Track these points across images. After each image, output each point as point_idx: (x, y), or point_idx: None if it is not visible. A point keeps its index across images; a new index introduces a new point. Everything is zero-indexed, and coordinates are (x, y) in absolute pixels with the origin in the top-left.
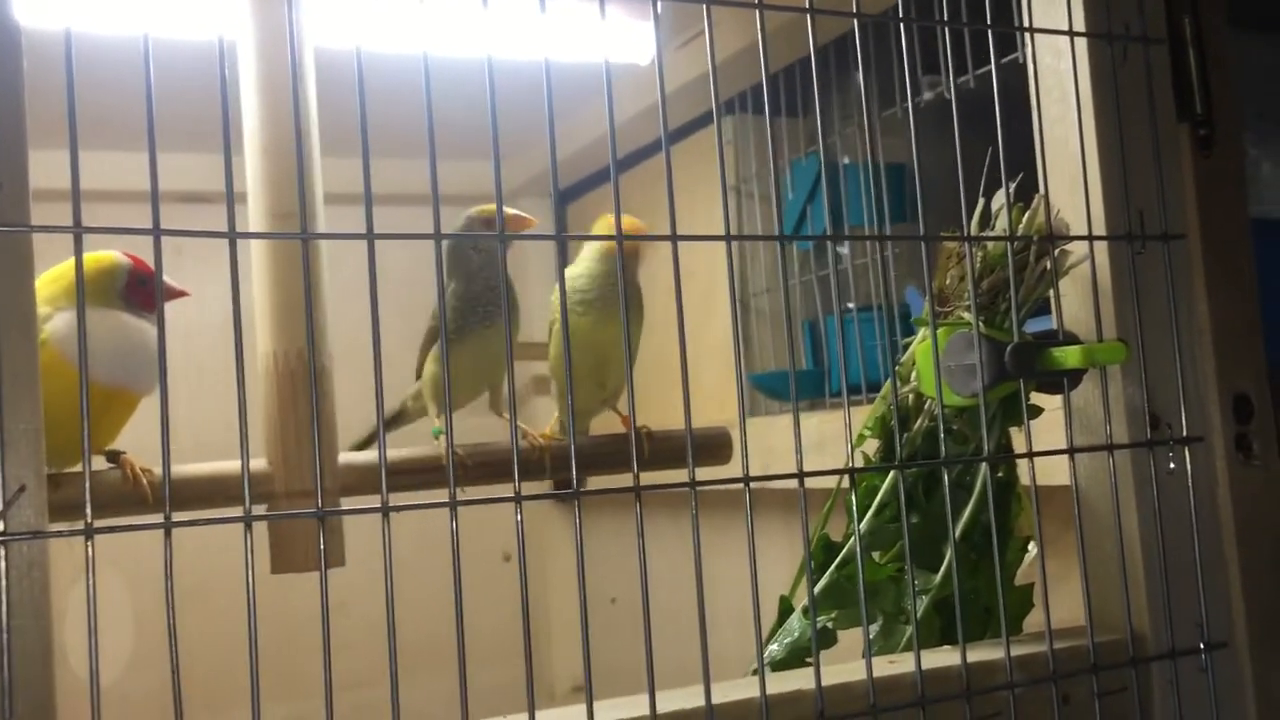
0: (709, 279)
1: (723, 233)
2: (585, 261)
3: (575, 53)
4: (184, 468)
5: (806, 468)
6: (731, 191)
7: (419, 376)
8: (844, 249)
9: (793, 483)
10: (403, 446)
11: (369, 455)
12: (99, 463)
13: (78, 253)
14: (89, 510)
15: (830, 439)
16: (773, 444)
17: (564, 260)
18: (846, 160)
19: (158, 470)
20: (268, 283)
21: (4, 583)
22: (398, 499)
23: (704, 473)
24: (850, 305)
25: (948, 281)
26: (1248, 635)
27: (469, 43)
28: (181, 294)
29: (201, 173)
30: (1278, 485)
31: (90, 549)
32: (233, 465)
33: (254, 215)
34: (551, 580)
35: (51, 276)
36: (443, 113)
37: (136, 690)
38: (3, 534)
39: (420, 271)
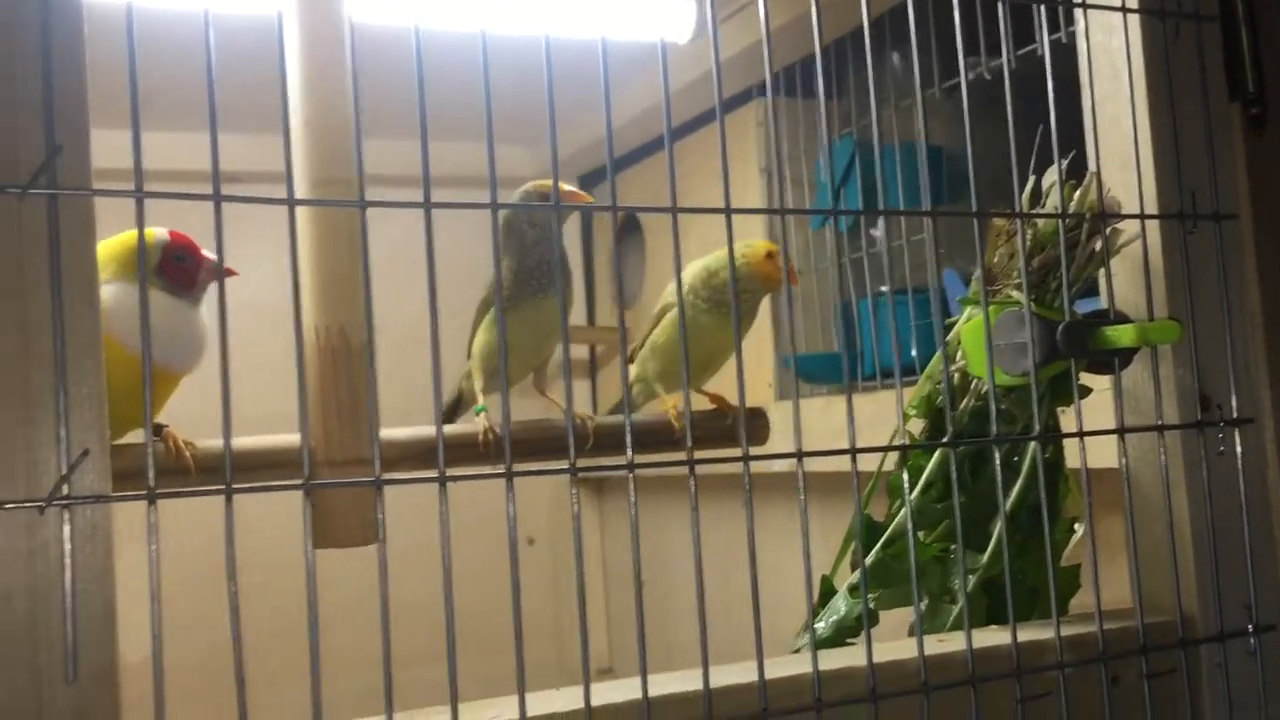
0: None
1: (782, 204)
2: (703, 265)
3: (612, 32)
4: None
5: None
6: (763, 174)
7: (470, 356)
8: (878, 231)
9: (826, 465)
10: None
11: (407, 431)
12: (143, 436)
13: (139, 218)
14: (151, 475)
15: (864, 422)
16: (807, 425)
17: (590, 243)
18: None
19: (199, 443)
20: (310, 258)
21: (68, 546)
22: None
23: (728, 452)
24: (884, 288)
25: (995, 260)
26: None
27: (511, 21)
28: (230, 273)
29: (238, 152)
30: None
31: (153, 514)
32: (275, 439)
33: (298, 189)
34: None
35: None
36: (464, 94)
37: (168, 663)
38: (66, 498)
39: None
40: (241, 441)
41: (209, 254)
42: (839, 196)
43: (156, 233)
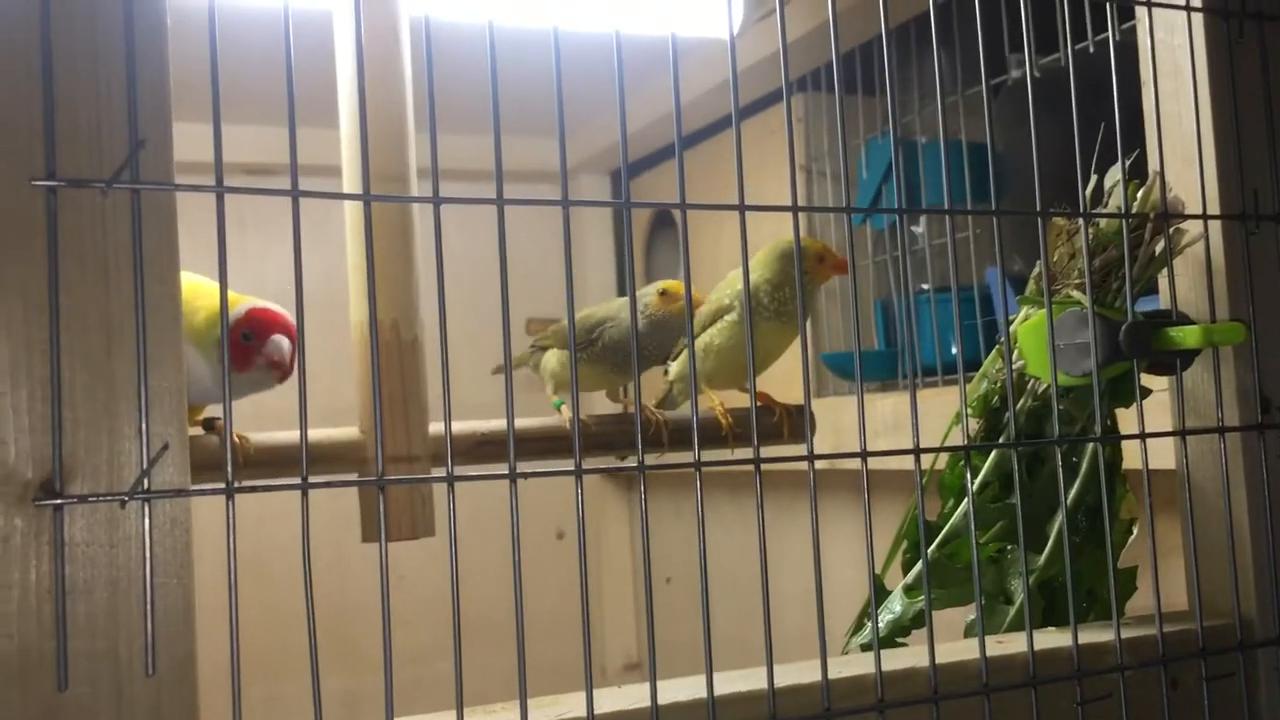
0: None
1: (795, 202)
2: (763, 269)
3: (648, 25)
4: (279, 434)
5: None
6: (803, 170)
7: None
8: (919, 229)
9: (872, 463)
10: (521, 417)
11: (456, 426)
12: (196, 430)
13: (220, 212)
14: (230, 470)
15: (906, 420)
16: (844, 423)
17: (630, 232)
18: (925, 139)
19: (252, 436)
20: (362, 252)
21: (148, 540)
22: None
23: (792, 451)
24: (926, 286)
25: (1055, 259)
26: None
27: (537, 15)
28: (284, 372)
29: (275, 145)
30: None
31: (231, 508)
32: (328, 432)
33: (349, 186)
34: (605, 559)
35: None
36: (506, 88)
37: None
38: (147, 492)
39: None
40: (291, 435)
41: (279, 338)
42: (880, 194)
43: (239, 305)
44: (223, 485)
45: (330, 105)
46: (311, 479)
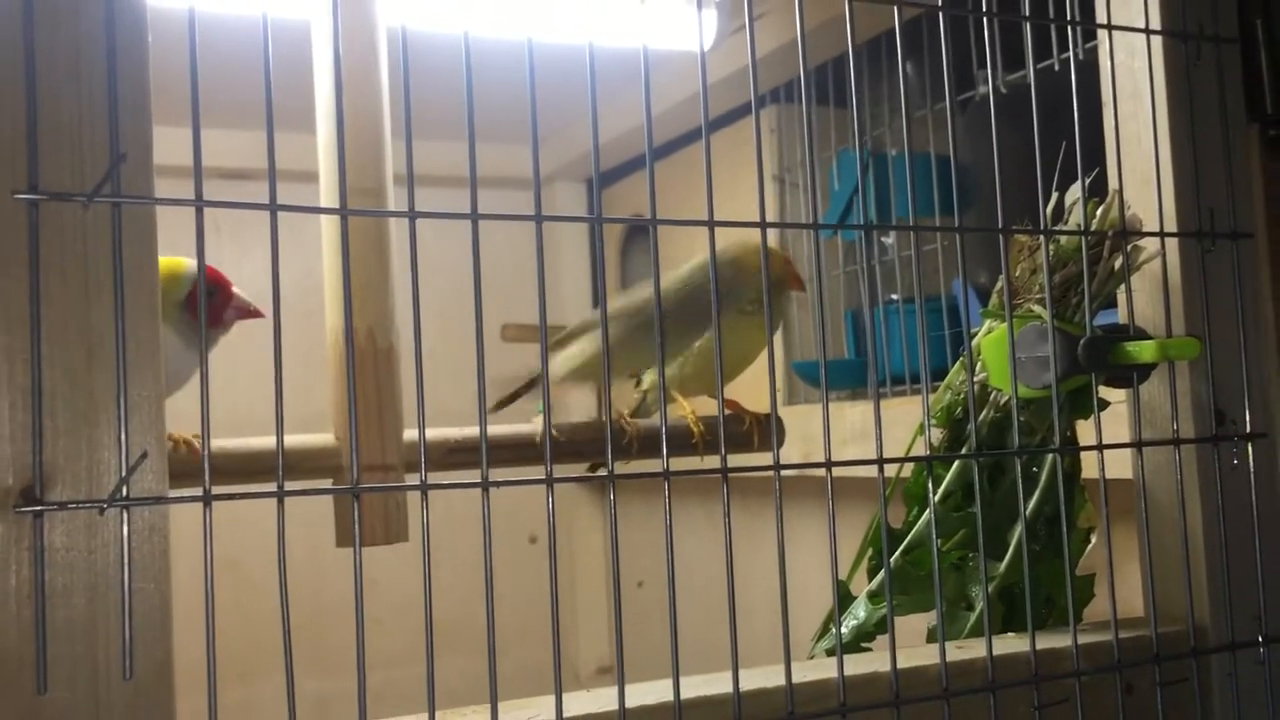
0: None
1: (764, 218)
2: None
3: (624, 36)
4: (254, 441)
5: (850, 457)
6: (775, 182)
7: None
8: (889, 239)
9: (839, 470)
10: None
11: (429, 433)
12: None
13: (199, 225)
14: (208, 478)
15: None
16: (814, 431)
17: (601, 245)
18: (894, 152)
19: (229, 444)
20: (338, 261)
21: (126, 546)
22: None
23: (758, 460)
24: (895, 296)
25: (1017, 274)
26: None
27: (514, 23)
28: (256, 314)
29: (251, 150)
30: None
31: (208, 516)
32: (300, 439)
33: (325, 193)
34: (578, 563)
35: None
36: (482, 95)
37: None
38: (126, 499)
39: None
40: (264, 442)
41: (239, 291)
42: (850, 205)
43: (187, 265)
44: (200, 493)
45: (309, 109)
46: (287, 487)
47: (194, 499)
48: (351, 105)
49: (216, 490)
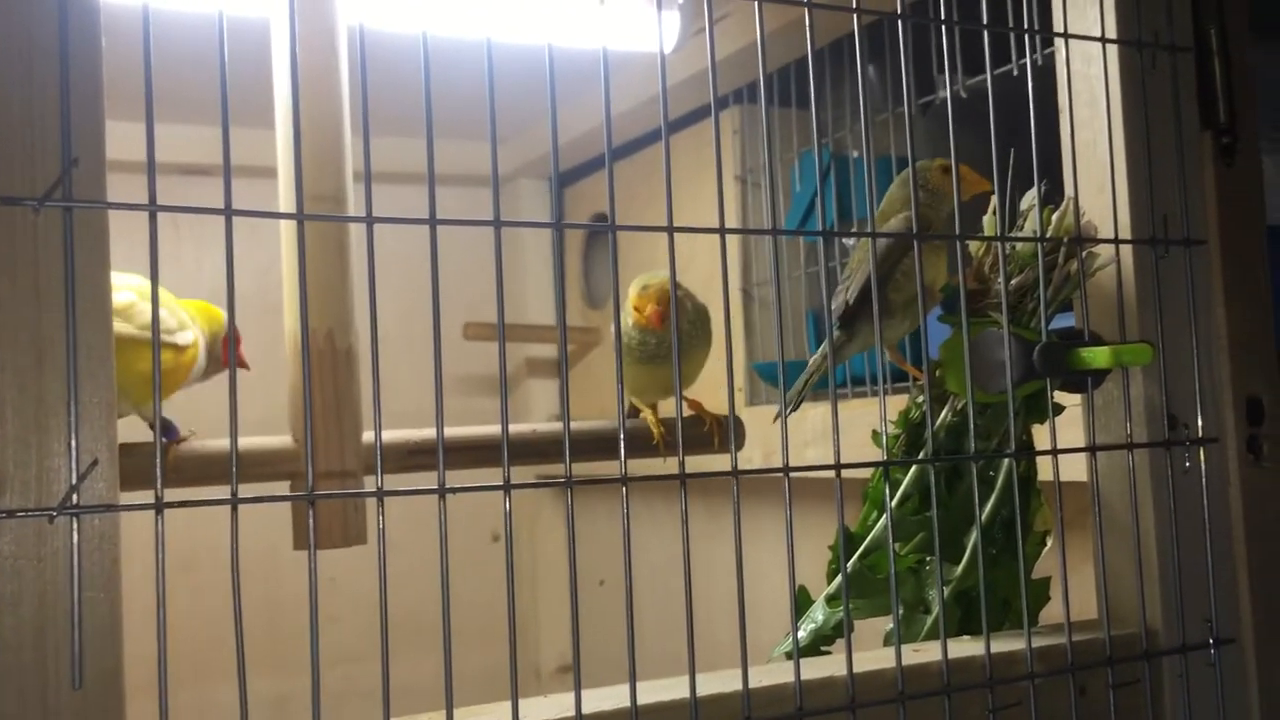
0: (710, 267)
1: (722, 223)
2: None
3: (587, 36)
4: (211, 442)
5: (811, 458)
6: (738, 182)
7: None
8: (850, 241)
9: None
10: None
11: (389, 435)
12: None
13: (152, 230)
14: (160, 485)
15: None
16: (776, 431)
17: (562, 248)
18: (856, 154)
19: (182, 447)
20: (298, 262)
21: (76, 555)
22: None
23: (717, 464)
24: None
25: (974, 280)
26: (1254, 632)
27: (476, 22)
28: (244, 366)
29: (212, 145)
30: None
31: (160, 523)
32: (258, 441)
33: (284, 195)
34: (540, 561)
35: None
36: (446, 92)
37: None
38: (75, 507)
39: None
40: (223, 444)
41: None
42: (812, 206)
43: (222, 314)
44: (152, 500)
45: (269, 105)
46: (242, 492)
47: (145, 507)
48: (311, 104)
49: (173, 494)
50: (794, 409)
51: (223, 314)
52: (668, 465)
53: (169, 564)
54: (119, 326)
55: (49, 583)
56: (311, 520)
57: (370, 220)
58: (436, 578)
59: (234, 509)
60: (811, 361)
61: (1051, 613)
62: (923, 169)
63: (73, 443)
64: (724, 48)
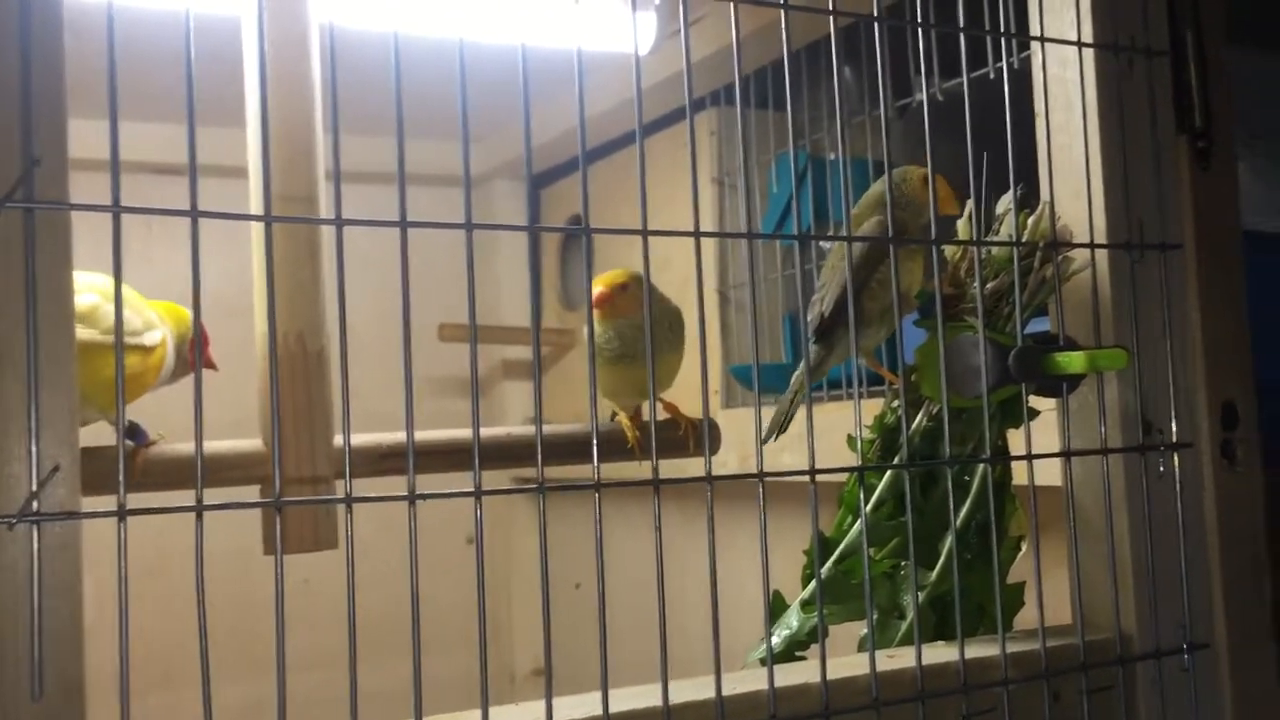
0: (687, 269)
1: (697, 228)
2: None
3: (564, 36)
4: (180, 446)
5: (788, 463)
6: (715, 183)
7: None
8: (828, 245)
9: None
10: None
11: (361, 439)
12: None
13: (115, 231)
14: (123, 492)
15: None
16: (754, 435)
17: (537, 251)
18: (834, 156)
19: (151, 451)
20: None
21: (37, 563)
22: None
23: (695, 464)
24: None
25: (950, 284)
26: (1228, 637)
27: (451, 22)
28: (211, 367)
29: (179, 143)
30: (1258, 491)
31: (123, 530)
32: (227, 445)
33: (255, 195)
34: (515, 564)
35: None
36: (422, 92)
37: (98, 664)
38: (36, 514)
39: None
40: (192, 447)
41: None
42: (789, 209)
43: (189, 314)
44: (115, 508)
45: (243, 104)
46: (209, 498)
47: (108, 514)
48: (282, 103)
49: (141, 500)
50: (779, 433)
51: (190, 314)
52: (642, 470)
53: (138, 569)
54: (83, 332)
55: (8, 592)
56: (279, 527)
57: (339, 222)
58: (408, 582)
59: (199, 516)
60: (794, 379)
61: (1026, 618)
62: (900, 177)
63: (33, 449)
64: (701, 49)
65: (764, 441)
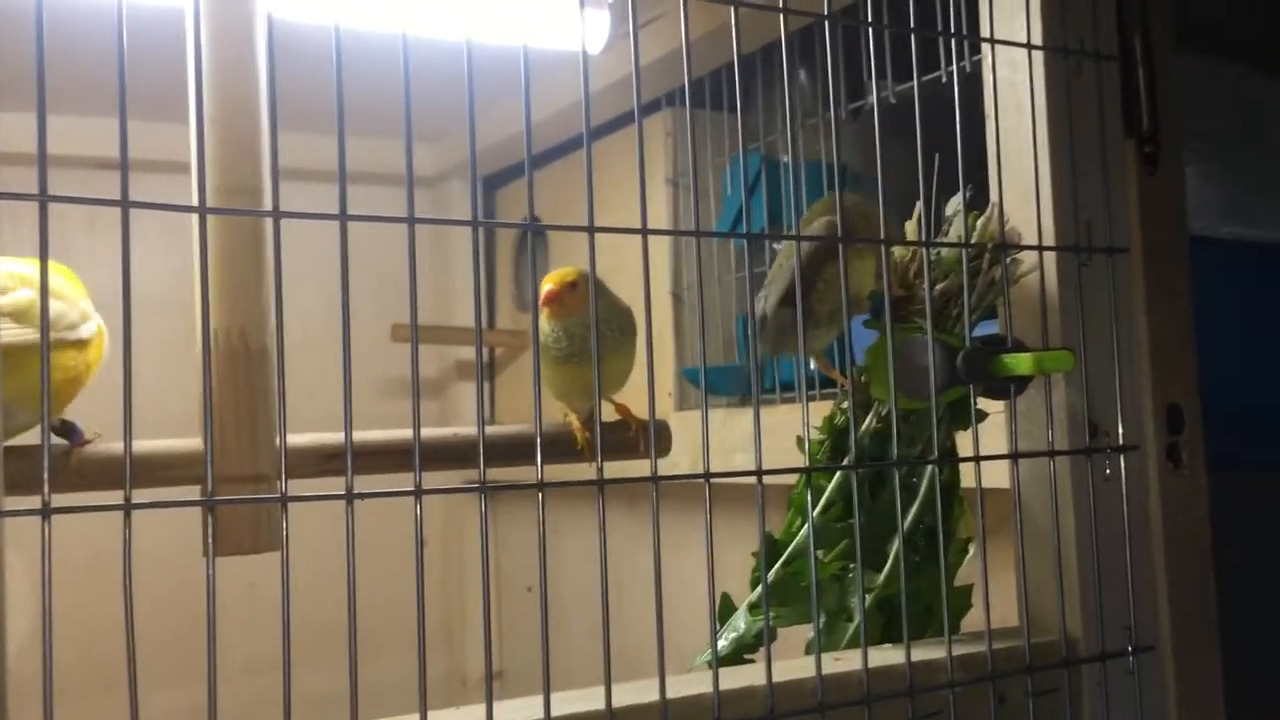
0: (640, 271)
1: (645, 225)
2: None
3: (517, 36)
4: (118, 445)
5: (740, 464)
6: (669, 184)
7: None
8: (779, 245)
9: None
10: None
11: (306, 439)
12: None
13: (42, 222)
14: (46, 490)
15: (766, 434)
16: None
17: (480, 249)
18: (787, 158)
19: (85, 449)
20: (210, 258)
21: None
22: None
23: (636, 471)
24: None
25: (899, 285)
26: (1172, 639)
27: (400, 18)
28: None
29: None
30: (1203, 495)
31: (47, 529)
32: (164, 444)
33: (198, 188)
34: (467, 566)
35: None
36: (376, 89)
37: (34, 669)
38: None
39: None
40: (135, 445)
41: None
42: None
43: None
44: (39, 505)
45: (186, 99)
46: (149, 497)
47: (31, 512)
48: (226, 97)
49: (73, 499)
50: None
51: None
52: (590, 470)
53: (79, 570)
54: (14, 334)
55: None
56: (212, 527)
57: (277, 215)
58: (362, 581)
59: (127, 515)
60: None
61: (973, 620)
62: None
63: None
64: (656, 49)
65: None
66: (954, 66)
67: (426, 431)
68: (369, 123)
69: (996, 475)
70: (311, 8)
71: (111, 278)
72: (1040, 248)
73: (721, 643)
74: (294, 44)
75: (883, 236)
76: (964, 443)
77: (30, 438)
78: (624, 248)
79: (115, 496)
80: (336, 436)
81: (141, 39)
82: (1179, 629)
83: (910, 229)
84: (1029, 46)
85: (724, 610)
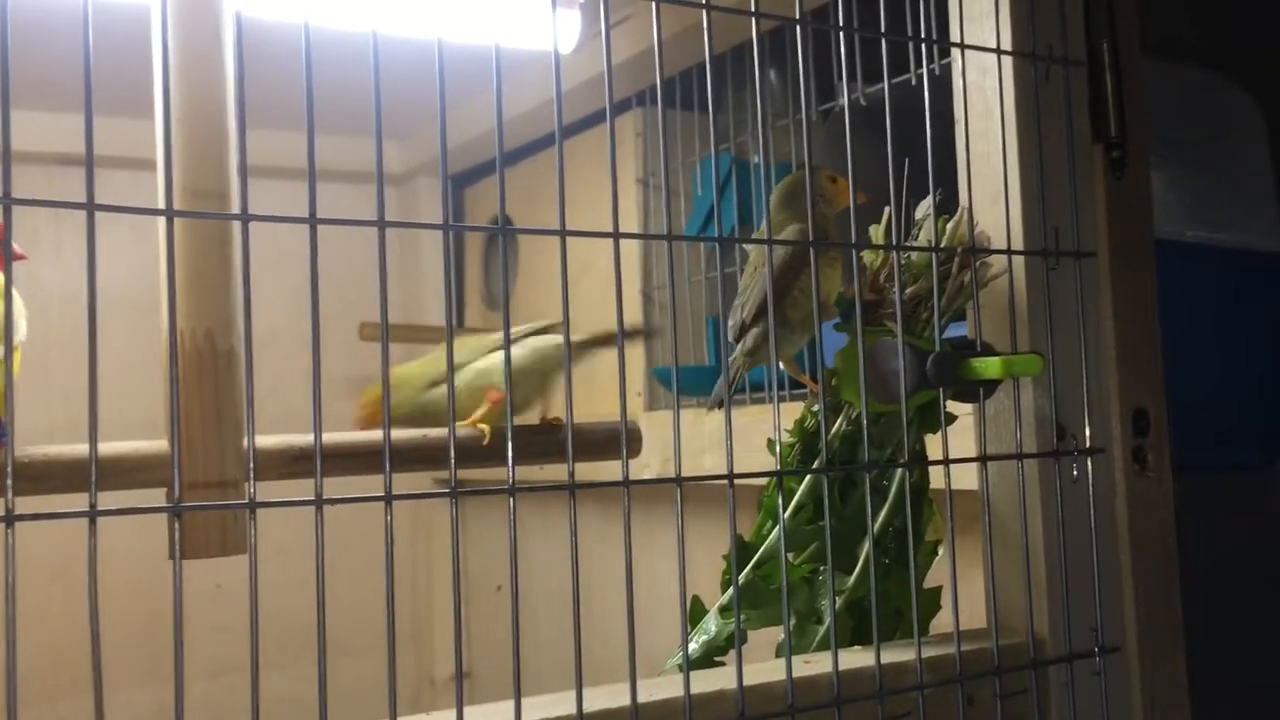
0: (610, 270)
1: (616, 228)
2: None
3: (489, 34)
4: (82, 447)
5: (709, 466)
6: (639, 185)
7: None
8: (749, 246)
9: (698, 472)
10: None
11: (272, 440)
12: None
13: (6, 224)
14: (10, 496)
15: (737, 436)
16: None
17: (450, 249)
18: (758, 159)
19: (50, 450)
20: (176, 259)
21: None
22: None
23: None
24: None
25: (869, 289)
26: (1138, 640)
27: (369, 16)
28: (20, 257)
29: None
30: (1168, 497)
31: (10, 536)
32: (126, 446)
33: (163, 189)
34: (436, 566)
35: None
36: (344, 87)
37: None
38: None
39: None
40: (97, 448)
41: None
42: (713, 211)
43: None
44: (1, 512)
45: (153, 94)
46: (113, 502)
47: None
48: (194, 95)
49: (34, 504)
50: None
51: None
52: (561, 473)
53: (44, 574)
54: None
55: None
56: (178, 532)
57: (245, 218)
58: (333, 583)
59: (92, 521)
60: (730, 361)
61: (942, 622)
62: (798, 180)
63: None
64: (627, 49)
65: (709, 409)
66: (924, 69)
67: (396, 433)
68: (335, 120)
69: (965, 478)
70: (276, 4)
71: (76, 276)
72: (1009, 251)
73: (692, 645)
74: (262, 43)
75: (854, 239)
76: (933, 446)
77: None
78: (593, 247)
79: (80, 500)
80: (304, 438)
81: (108, 34)
82: (1145, 630)
83: (874, 232)
84: (998, 52)
85: (694, 613)
